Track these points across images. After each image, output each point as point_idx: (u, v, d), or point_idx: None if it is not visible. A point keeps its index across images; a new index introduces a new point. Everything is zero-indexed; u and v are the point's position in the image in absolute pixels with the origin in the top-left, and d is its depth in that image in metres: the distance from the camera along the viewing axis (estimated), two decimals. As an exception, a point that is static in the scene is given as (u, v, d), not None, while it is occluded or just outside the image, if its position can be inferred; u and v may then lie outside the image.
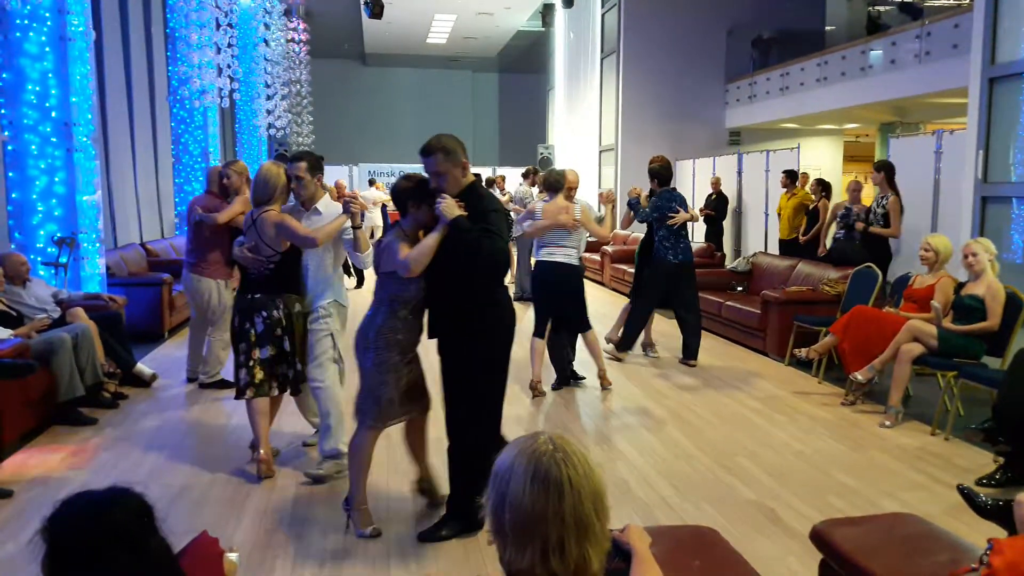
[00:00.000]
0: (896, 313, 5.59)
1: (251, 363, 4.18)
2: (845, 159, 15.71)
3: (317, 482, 4.18)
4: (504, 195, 11.62)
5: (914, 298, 5.61)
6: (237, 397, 4.26)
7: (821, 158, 14.88)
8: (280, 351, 4.23)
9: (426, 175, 3.57)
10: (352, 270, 11.22)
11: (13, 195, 6.38)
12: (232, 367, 4.37)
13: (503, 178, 13.36)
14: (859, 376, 5.40)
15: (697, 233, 12.31)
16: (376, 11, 14.92)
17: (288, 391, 4.38)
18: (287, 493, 4.07)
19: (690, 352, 6.97)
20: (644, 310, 7.08)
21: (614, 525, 2.55)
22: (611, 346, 7.20)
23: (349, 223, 4.07)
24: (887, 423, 5.19)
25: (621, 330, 7.24)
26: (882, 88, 10.73)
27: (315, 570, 3.28)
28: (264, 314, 4.16)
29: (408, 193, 3.57)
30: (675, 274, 6.84)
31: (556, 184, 5.89)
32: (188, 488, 4.13)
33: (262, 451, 4.26)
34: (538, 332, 5.94)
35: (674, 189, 7.05)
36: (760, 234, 12.20)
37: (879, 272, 6.47)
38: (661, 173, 6.93)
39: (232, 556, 2.68)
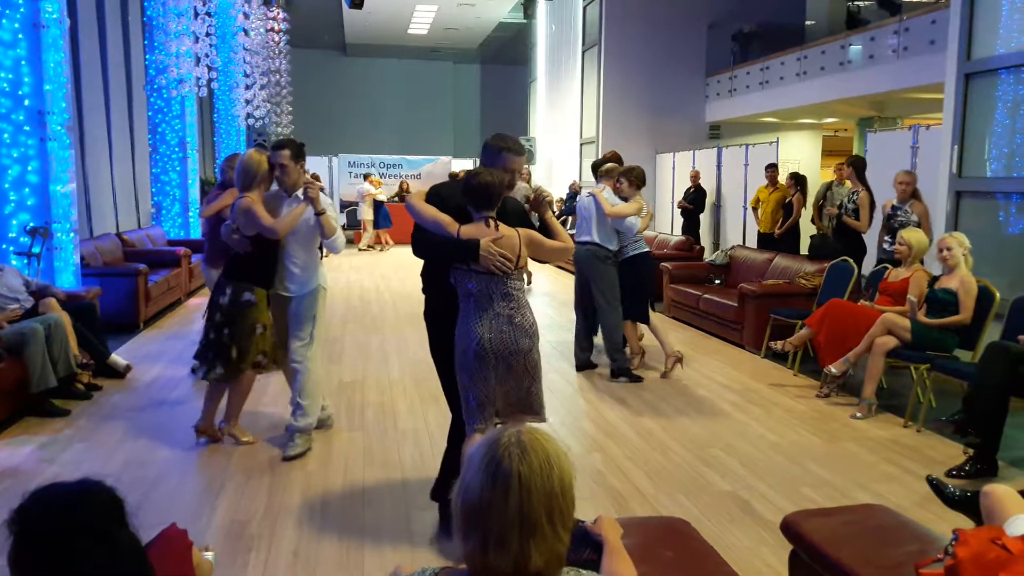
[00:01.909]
0: (871, 307, 5.65)
1: (202, 342, 4.40)
2: (824, 153, 15.79)
3: (295, 458, 4.33)
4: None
5: (889, 291, 5.66)
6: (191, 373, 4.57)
7: (800, 152, 14.96)
8: (221, 337, 4.30)
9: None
10: None
11: (-13, 182, 6.29)
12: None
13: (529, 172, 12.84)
14: (833, 369, 5.45)
15: (675, 227, 12.35)
16: (357, 1, 14.80)
17: (222, 379, 4.43)
18: (262, 483, 4.05)
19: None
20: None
21: (589, 516, 2.57)
22: None
23: (311, 209, 4.22)
24: (859, 415, 5.25)
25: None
26: (860, 83, 10.80)
27: (289, 560, 3.27)
28: (216, 297, 4.34)
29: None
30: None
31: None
32: (162, 479, 4.10)
33: (200, 423, 4.55)
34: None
35: None
36: (738, 227, 12.27)
37: (855, 266, 6.54)
38: (598, 166, 7.05)
39: (208, 555, 2.67)
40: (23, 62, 6.26)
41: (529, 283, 11.17)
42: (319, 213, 4.22)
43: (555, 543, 1.43)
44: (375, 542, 3.44)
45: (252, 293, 4.30)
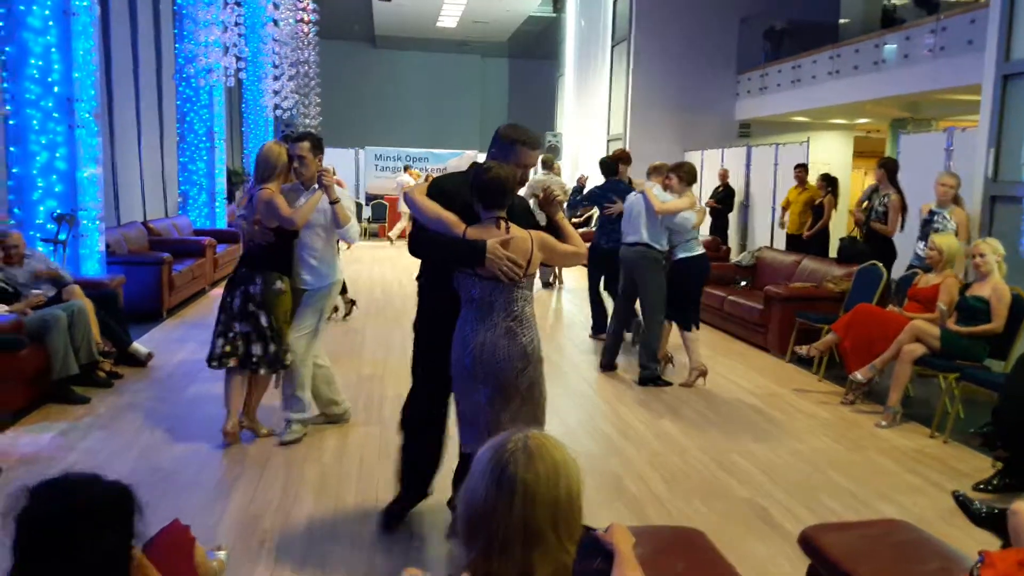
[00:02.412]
0: (900, 313, 5.53)
1: (230, 334, 4.29)
2: (855, 155, 15.54)
3: (292, 443, 4.42)
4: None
5: (918, 298, 5.54)
6: (208, 364, 4.39)
7: (831, 153, 14.72)
8: (257, 327, 4.26)
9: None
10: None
11: (14, 170, 6.35)
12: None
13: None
14: (859, 375, 5.34)
15: (703, 226, 12.19)
16: (386, -7, 14.77)
17: (260, 370, 4.37)
18: (277, 476, 4.04)
19: (597, 325, 7.65)
20: (592, 291, 7.77)
21: (604, 522, 2.52)
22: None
23: (326, 199, 4.21)
24: (884, 423, 5.14)
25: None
26: (894, 83, 10.59)
27: (301, 556, 3.26)
28: (243, 288, 4.27)
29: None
30: (607, 258, 7.06)
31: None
32: (178, 469, 4.10)
33: (228, 423, 4.37)
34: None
35: (621, 180, 7.32)
36: (766, 228, 12.11)
37: (884, 270, 6.40)
38: (605, 164, 7.54)
39: (220, 554, 2.67)
40: (53, 49, 6.30)
41: (561, 283, 11.11)
42: (333, 201, 4.21)
43: (560, 553, 1.39)
44: (386, 539, 3.42)
45: (283, 282, 4.32)
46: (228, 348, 4.29)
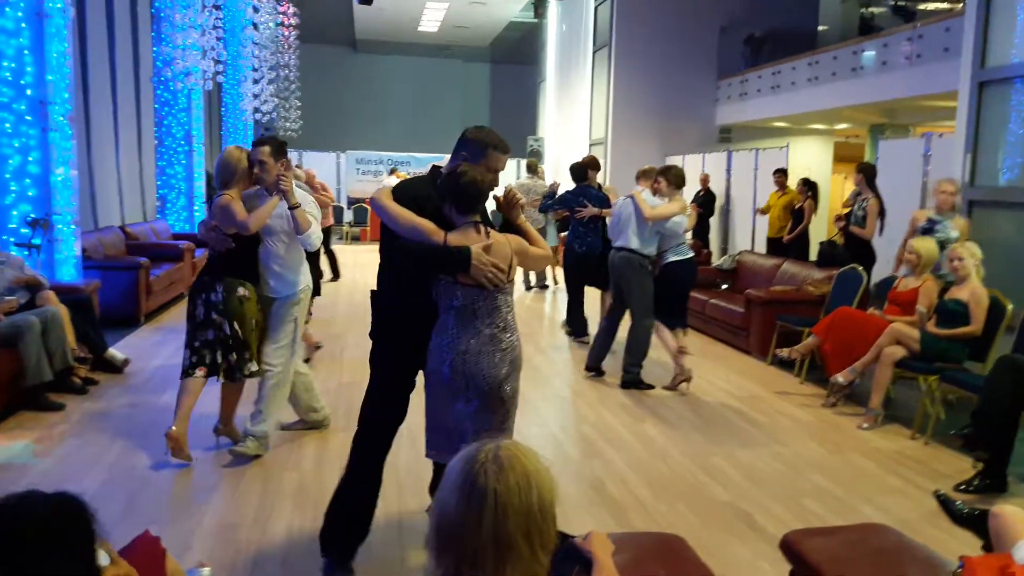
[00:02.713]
0: (880, 316, 5.55)
1: (196, 343, 4.18)
2: (835, 160, 15.66)
3: (238, 458, 4.24)
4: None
5: (898, 301, 5.56)
6: (182, 376, 4.24)
7: (810, 158, 14.83)
8: (219, 335, 4.15)
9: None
10: (331, 265, 11.12)
11: (-13, 173, 6.24)
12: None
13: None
14: (840, 378, 5.36)
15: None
16: (367, -3, 14.74)
17: (226, 378, 4.25)
18: (255, 485, 3.98)
19: (573, 327, 7.86)
20: (570, 292, 7.86)
21: (586, 527, 2.49)
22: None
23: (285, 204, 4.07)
24: (866, 425, 5.16)
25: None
26: (873, 89, 10.68)
27: (279, 564, 3.20)
28: (204, 296, 4.15)
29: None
30: (581, 263, 7.46)
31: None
32: (153, 478, 4.03)
33: (174, 427, 4.15)
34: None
35: (591, 186, 7.60)
36: (747, 232, 12.16)
37: (864, 274, 6.43)
38: (574, 170, 7.76)
39: (205, 572, 2.62)
40: (25, 51, 6.19)
41: (556, 283, 11.09)
42: (292, 207, 4.06)
43: (533, 564, 1.36)
44: (366, 547, 3.35)
45: (245, 288, 4.18)
46: (195, 359, 4.18)
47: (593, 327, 7.35)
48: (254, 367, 4.25)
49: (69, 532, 1.40)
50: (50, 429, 4.66)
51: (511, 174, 19.60)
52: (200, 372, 4.18)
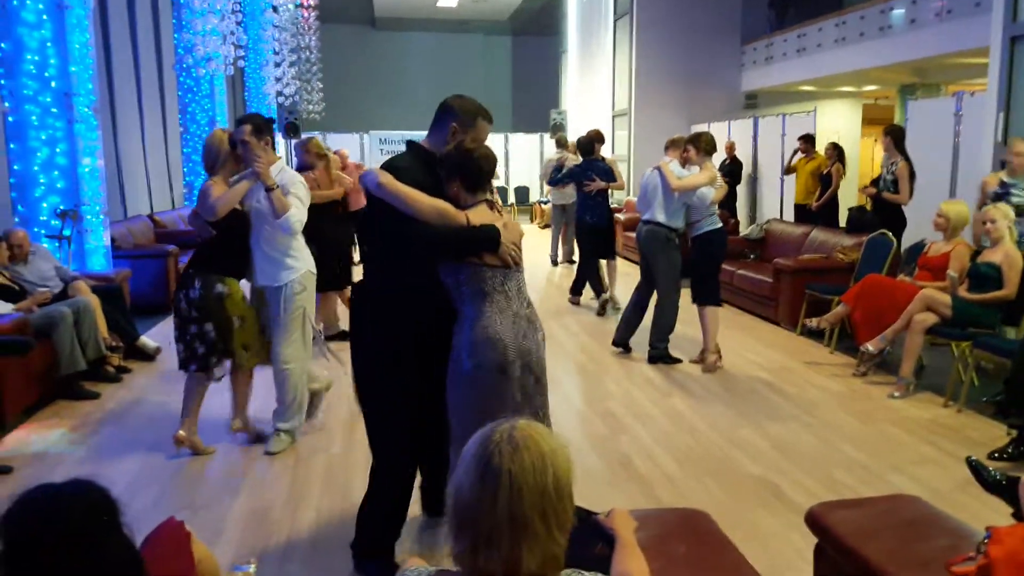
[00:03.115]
0: (910, 282, 5.45)
1: (187, 337, 4.02)
2: (864, 122, 15.36)
3: (277, 455, 4.16)
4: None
5: (929, 266, 5.46)
6: (181, 369, 4.14)
7: (839, 121, 14.56)
8: (201, 333, 3.98)
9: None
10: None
11: (15, 167, 6.33)
12: None
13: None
14: (870, 347, 5.29)
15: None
16: (384, -25, 14.63)
17: (219, 377, 4.16)
18: (285, 469, 4.04)
19: (575, 289, 8.26)
20: (585, 260, 8.13)
21: (613, 502, 2.49)
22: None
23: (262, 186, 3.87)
24: (897, 394, 5.09)
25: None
26: (901, 49, 10.43)
27: (310, 548, 3.25)
28: (185, 291, 3.99)
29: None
30: (592, 232, 7.86)
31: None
32: (187, 464, 4.11)
33: (181, 431, 4.13)
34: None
35: (598, 159, 7.95)
36: (776, 200, 11.99)
37: (893, 240, 6.31)
38: (582, 144, 8.12)
39: (251, 568, 2.68)
40: (48, 44, 6.25)
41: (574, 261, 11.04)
42: (268, 189, 3.86)
43: (549, 544, 1.37)
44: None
45: (224, 285, 3.97)
46: (187, 352, 4.04)
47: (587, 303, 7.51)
48: (219, 373, 4.12)
49: (96, 522, 1.43)
50: (85, 418, 4.77)
51: (535, 149, 19.48)
52: (195, 366, 4.06)
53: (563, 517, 1.37)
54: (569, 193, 9.54)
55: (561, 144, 10.62)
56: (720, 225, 5.96)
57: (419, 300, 2.78)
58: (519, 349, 2.66)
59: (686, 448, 4.30)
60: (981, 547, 1.68)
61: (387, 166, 2.78)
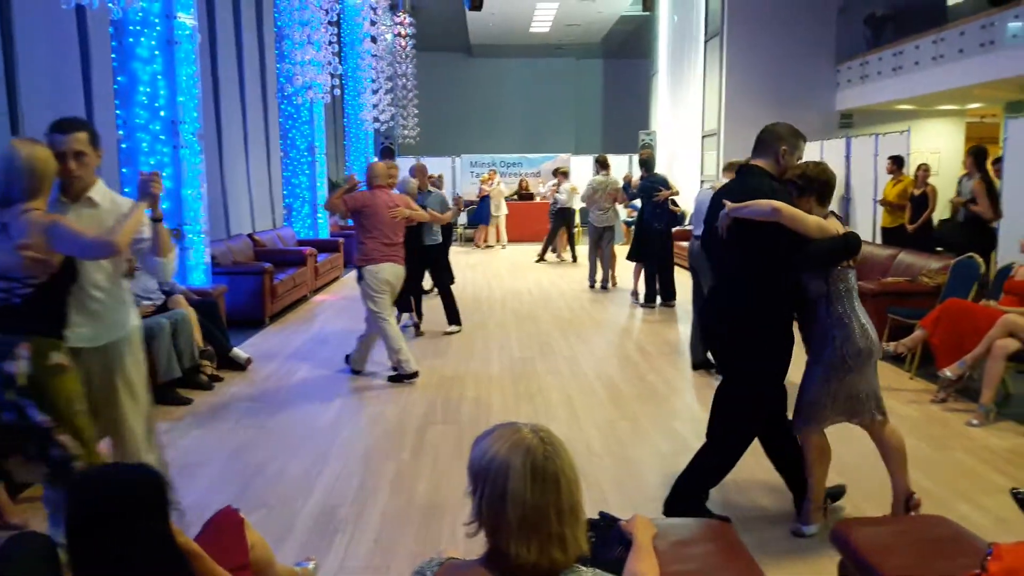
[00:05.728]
0: (993, 306, 5.28)
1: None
2: (968, 141, 14.74)
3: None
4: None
5: (1015, 291, 5.28)
6: None
7: (939, 140, 14.03)
8: (24, 423, 2.72)
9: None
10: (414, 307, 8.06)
11: (126, 190, 6.89)
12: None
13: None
14: (948, 372, 5.14)
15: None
16: (476, 3, 15.09)
17: (51, 482, 2.85)
18: (356, 470, 4.26)
19: (649, 296, 9.29)
20: (650, 266, 9.24)
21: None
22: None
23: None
24: (975, 422, 4.92)
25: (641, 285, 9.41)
26: (1003, 64, 10.02)
27: (370, 547, 3.45)
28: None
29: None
30: (660, 237, 9.01)
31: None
32: (266, 464, 4.39)
33: None
34: None
35: (658, 175, 9.38)
36: (868, 222, 11.66)
37: (981, 262, 6.11)
38: (647, 162, 9.48)
39: (310, 566, 2.92)
40: (159, 76, 6.80)
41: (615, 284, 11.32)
42: (156, 219, 3.08)
43: (583, 516, 1.55)
44: (451, 536, 3.56)
45: (59, 352, 2.80)
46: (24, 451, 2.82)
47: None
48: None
49: (147, 496, 1.65)
50: (178, 421, 5.14)
51: (623, 170, 19.53)
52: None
53: (581, 508, 1.54)
54: (608, 217, 10.42)
55: (604, 165, 10.71)
56: None
57: (789, 307, 3.39)
58: (873, 337, 3.33)
59: (747, 469, 4.25)
60: (984, 563, 1.70)
61: (748, 190, 3.21)
